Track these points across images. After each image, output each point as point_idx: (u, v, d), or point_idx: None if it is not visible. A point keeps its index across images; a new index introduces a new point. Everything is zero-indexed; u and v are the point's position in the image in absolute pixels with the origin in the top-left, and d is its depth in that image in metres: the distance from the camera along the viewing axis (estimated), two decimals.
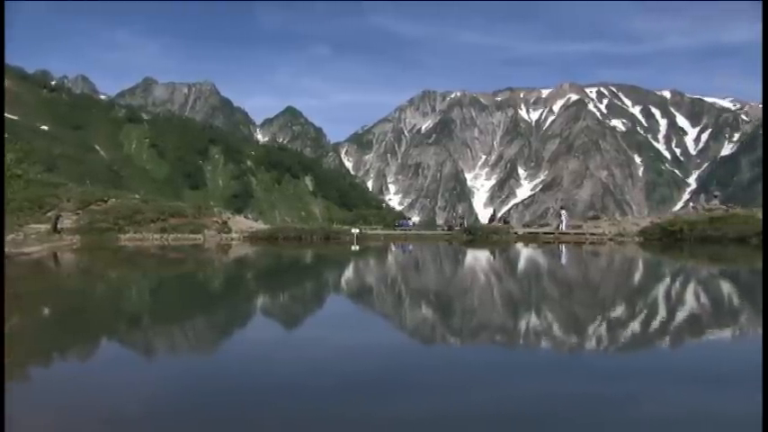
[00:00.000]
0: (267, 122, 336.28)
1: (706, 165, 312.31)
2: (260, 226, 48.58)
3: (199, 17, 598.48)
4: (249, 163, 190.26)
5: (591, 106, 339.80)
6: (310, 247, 36.63)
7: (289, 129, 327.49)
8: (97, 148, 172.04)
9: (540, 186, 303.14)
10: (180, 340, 9.03)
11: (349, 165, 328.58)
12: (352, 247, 35.40)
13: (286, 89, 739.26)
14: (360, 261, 27.67)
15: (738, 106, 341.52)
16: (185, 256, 28.43)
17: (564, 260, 28.91)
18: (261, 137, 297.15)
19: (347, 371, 6.85)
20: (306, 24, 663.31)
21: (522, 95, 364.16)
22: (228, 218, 46.54)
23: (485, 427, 5.00)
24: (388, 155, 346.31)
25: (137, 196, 48.86)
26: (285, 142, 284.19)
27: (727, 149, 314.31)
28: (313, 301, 13.89)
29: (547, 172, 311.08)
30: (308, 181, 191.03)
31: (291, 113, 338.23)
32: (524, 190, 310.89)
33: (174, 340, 9.01)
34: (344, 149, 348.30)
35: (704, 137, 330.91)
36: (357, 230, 44.76)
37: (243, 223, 47.36)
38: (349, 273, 22.11)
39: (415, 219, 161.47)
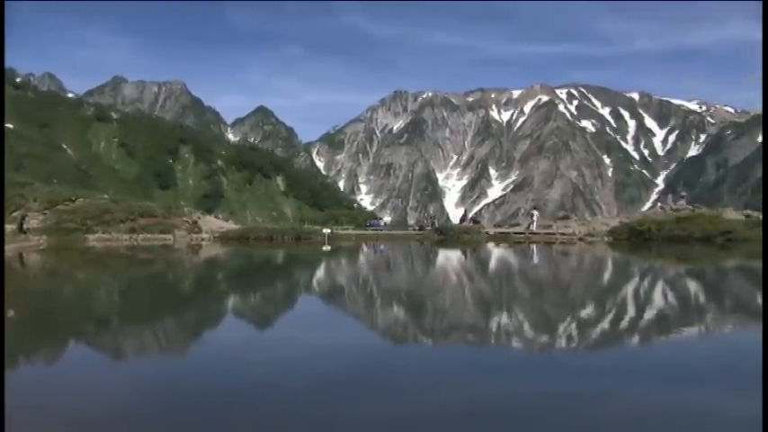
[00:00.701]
0: (238, 122, 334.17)
1: (673, 166, 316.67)
2: (231, 226, 48.29)
3: (170, 16, 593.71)
4: (220, 163, 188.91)
5: (561, 107, 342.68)
6: (281, 247, 36.49)
7: (260, 128, 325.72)
8: (64, 146, 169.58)
9: (511, 186, 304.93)
10: (150, 342, 8.95)
11: (320, 165, 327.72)
12: (324, 248, 35.33)
13: (257, 89, 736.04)
14: (331, 261, 27.62)
15: (704, 108, 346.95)
16: (155, 256, 28.17)
17: (534, 260, 29.13)
18: (232, 136, 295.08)
19: (319, 371, 6.84)
20: (278, 24, 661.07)
21: (493, 96, 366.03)
22: (199, 218, 46.19)
23: (457, 426, 5.03)
24: (360, 155, 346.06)
25: (105, 196, 48.30)
26: (256, 142, 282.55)
27: (693, 151, 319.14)
28: (284, 302, 13.85)
29: (518, 172, 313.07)
30: (279, 181, 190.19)
31: (263, 113, 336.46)
32: (495, 190, 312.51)
33: (144, 342, 8.92)
34: (316, 149, 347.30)
35: (671, 138, 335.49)
36: (328, 230, 44.67)
37: (213, 223, 47.04)
38: (320, 273, 22.07)
39: (387, 219, 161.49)
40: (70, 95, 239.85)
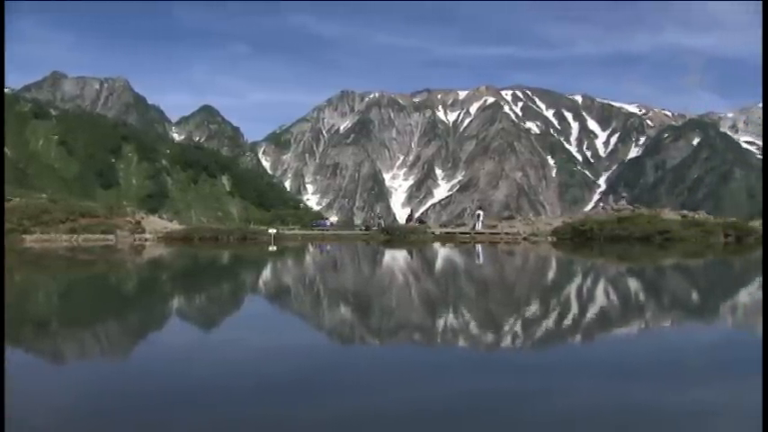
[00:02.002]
0: (183, 120, 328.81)
1: (614, 167, 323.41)
2: (175, 226, 47.62)
3: (111, 10, 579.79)
4: (164, 162, 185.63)
5: (506, 109, 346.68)
6: (227, 247, 36.13)
7: (205, 127, 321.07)
8: None
9: (458, 187, 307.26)
10: (90, 345, 8.75)
11: (267, 164, 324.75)
12: (270, 248, 35.12)
13: (203, 87, 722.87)
14: (277, 261, 27.47)
15: (643, 111, 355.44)
16: (96, 257, 27.60)
17: (480, 259, 29.46)
18: (176, 135, 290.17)
19: (267, 372, 6.80)
20: (223, 22, 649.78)
21: (439, 97, 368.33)
22: (142, 218, 45.44)
23: (407, 424, 5.05)
24: (307, 155, 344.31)
25: (44, 195, 47.14)
26: (201, 141, 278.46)
27: (633, 152, 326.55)
28: (230, 303, 13.71)
29: (464, 173, 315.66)
30: (224, 180, 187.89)
31: (208, 112, 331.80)
32: (442, 190, 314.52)
33: (84, 345, 8.72)
34: (262, 149, 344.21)
35: (613, 140, 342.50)
36: (274, 231, 44.44)
37: (157, 223, 46.32)
38: (267, 273, 21.93)
39: (333, 219, 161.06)
40: (6, 91, 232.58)
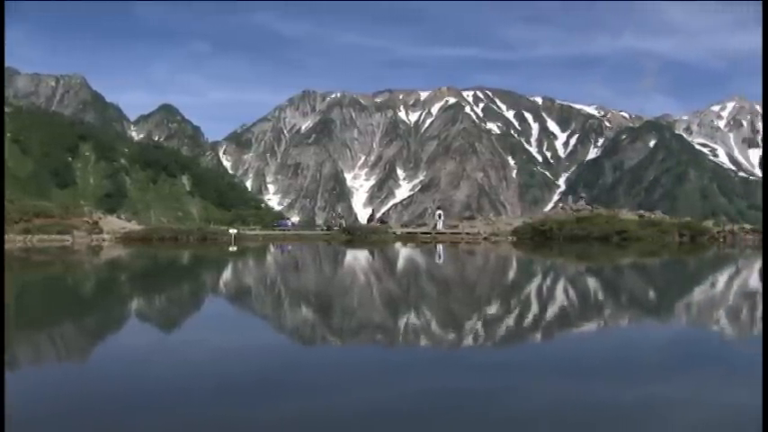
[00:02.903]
0: (142, 119, 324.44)
1: (574, 168, 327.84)
2: (134, 227, 46.99)
3: (67, 5, 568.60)
4: (123, 161, 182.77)
5: (468, 109, 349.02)
6: (187, 248, 35.77)
7: (165, 126, 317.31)
8: None
9: (419, 187, 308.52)
10: (45, 348, 8.59)
11: (227, 164, 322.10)
12: (230, 248, 34.87)
13: (162, 85, 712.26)
14: (238, 262, 27.29)
15: (602, 113, 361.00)
16: (52, 258, 27.10)
17: (440, 259, 29.62)
18: (135, 134, 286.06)
19: (227, 373, 6.74)
20: (184, 20, 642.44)
21: (401, 97, 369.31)
22: (100, 218, 44.74)
23: (370, 424, 5.07)
24: (268, 154, 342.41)
25: None
26: (161, 140, 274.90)
27: (592, 153, 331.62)
28: (190, 304, 13.58)
29: (425, 173, 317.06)
30: (185, 180, 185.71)
31: (168, 110, 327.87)
32: (403, 190, 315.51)
33: (39, 348, 8.56)
34: (223, 148, 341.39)
35: (572, 141, 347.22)
36: (235, 231, 44.13)
37: (115, 224, 45.66)
38: (227, 274, 21.76)
39: (295, 219, 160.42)
40: None
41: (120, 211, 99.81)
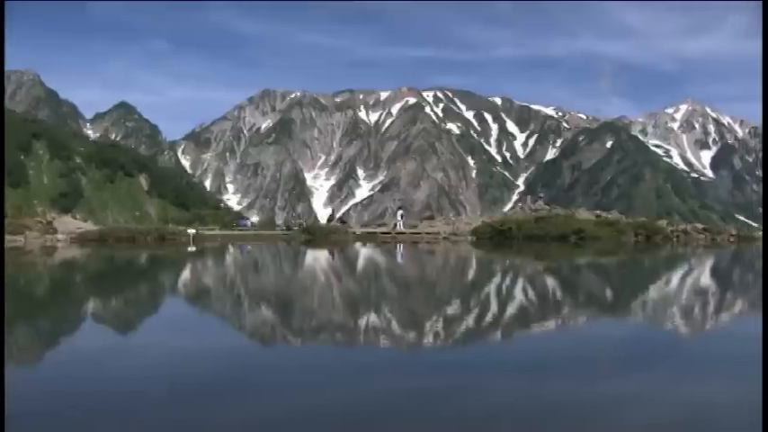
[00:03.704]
0: (98, 117, 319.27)
1: (533, 168, 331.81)
2: (89, 227, 46.20)
3: (17, 2, 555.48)
4: (78, 160, 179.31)
5: (428, 110, 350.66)
6: (144, 248, 35.28)
7: (122, 125, 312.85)
8: None
9: (379, 187, 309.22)
10: None
11: (186, 163, 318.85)
12: (189, 248, 34.51)
13: (119, 83, 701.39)
14: (197, 262, 27.02)
15: (560, 114, 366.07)
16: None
17: (401, 259, 29.71)
18: (91, 132, 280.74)
19: (186, 375, 6.66)
20: (140, 17, 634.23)
21: (361, 97, 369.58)
22: (54, 218, 43.90)
23: (327, 425, 5.06)
24: (227, 154, 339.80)
25: None
26: (118, 139, 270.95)
27: (550, 154, 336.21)
28: (147, 305, 13.39)
29: (385, 173, 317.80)
30: (142, 180, 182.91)
31: (125, 109, 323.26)
32: (363, 190, 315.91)
33: None
34: (181, 148, 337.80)
35: (531, 142, 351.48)
36: (194, 231, 43.68)
37: (70, 224, 44.84)
38: (186, 274, 21.54)
39: (254, 219, 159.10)
40: None
41: (75, 210, 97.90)
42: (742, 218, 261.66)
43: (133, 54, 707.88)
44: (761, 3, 11.37)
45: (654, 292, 16.18)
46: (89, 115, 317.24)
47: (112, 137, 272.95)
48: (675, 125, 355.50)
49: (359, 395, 5.92)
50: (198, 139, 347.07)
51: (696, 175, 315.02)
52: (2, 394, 4.97)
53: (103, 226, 51.26)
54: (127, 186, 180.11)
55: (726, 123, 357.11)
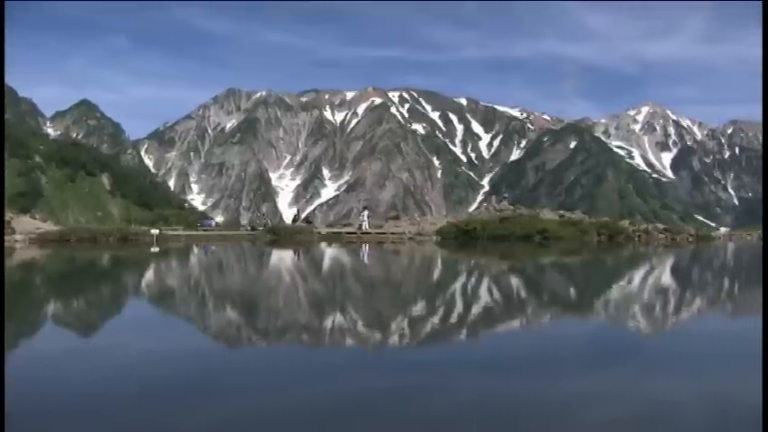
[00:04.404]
0: (59, 115, 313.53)
1: (497, 168, 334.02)
2: (49, 227, 45.42)
3: None
4: (38, 158, 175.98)
5: (393, 110, 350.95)
6: (106, 249, 34.80)
7: (83, 123, 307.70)
8: None
9: (345, 187, 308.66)
10: None
11: (150, 163, 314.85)
12: (153, 249, 34.12)
13: (79, 81, 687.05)
14: (160, 263, 26.74)
15: (525, 115, 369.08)
16: None
17: (366, 259, 29.72)
18: (51, 131, 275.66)
19: (149, 377, 6.59)
20: (102, 12, 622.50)
21: (327, 97, 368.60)
22: (12, 218, 43.02)
23: (292, 426, 5.05)
24: (192, 153, 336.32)
25: None
26: (79, 137, 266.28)
27: (515, 155, 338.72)
28: (110, 307, 13.21)
29: (351, 173, 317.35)
30: (104, 179, 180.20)
31: (86, 107, 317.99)
32: (329, 190, 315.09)
33: None
34: (145, 147, 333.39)
35: (496, 143, 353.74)
36: (157, 231, 43.21)
37: (29, 224, 44.05)
38: (149, 275, 21.29)
39: (219, 219, 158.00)
40: None
41: (34, 210, 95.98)
42: (701, 218, 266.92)
43: (93, 51, 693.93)
44: (761, 3, 11.54)
45: (616, 291, 16.42)
46: (49, 113, 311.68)
47: (73, 135, 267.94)
48: (637, 127, 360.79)
49: (325, 395, 5.91)
50: (162, 139, 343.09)
51: (657, 176, 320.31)
52: (2, 394, 4.95)
53: (64, 226, 50.39)
54: (88, 186, 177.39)
55: (685, 126, 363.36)
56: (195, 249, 35.56)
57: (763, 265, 25.99)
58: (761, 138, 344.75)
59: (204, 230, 55.21)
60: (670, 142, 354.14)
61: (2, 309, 7.76)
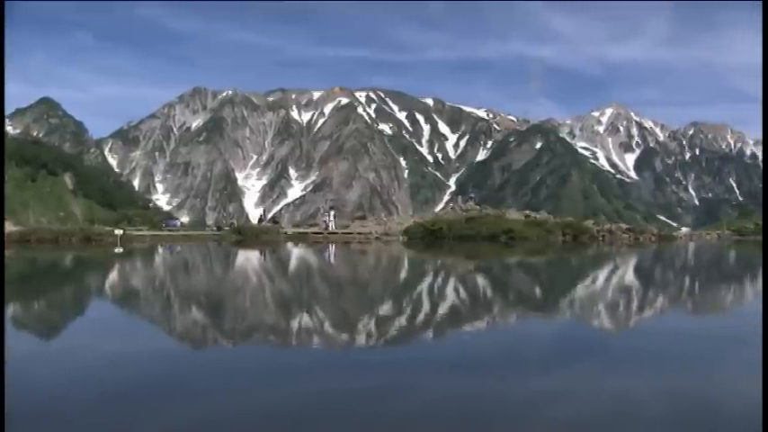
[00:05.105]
0: (19, 113, 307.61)
1: (464, 169, 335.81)
2: (9, 228, 44.55)
3: None
4: None
5: (360, 110, 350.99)
6: (69, 249, 34.27)
7: (45, 121, 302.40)
8: None
9: (311, 187, 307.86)
10: None
11: (113, 162, 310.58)
12: (116, 250, 33.69)
13: (40, 78, 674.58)
14: (125, 264, 26.41)
15: (491, 116, 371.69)
16: None
17: (332, 259, 29.68)
18: (11, 129, 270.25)
19: (113, 380, 6.50)
20: (66, 9, 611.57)
21: (293, 97, 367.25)
22: None
23: (260, 427, 5.04)
24: (157, 153, 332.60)
25: None
26: (40, 136, 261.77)
27: (481, 155, 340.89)
28: (73, 309, 13.02)
29: (317, 173, 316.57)
30: (67, 179, 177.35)
31: (48, 104, 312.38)
32: (295, 190, 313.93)
33: None
34: (109, 146, 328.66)
35: (462, 143, 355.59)
36: (121, 231, 42.69)
37: None
38: (113, 276, 21.02)
39: (184, 219, 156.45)
40: None
41: None
42: (663, 218, 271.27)
43: (56, 48, 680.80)
44: (761, 3, 11.68)
45: (581, 290, 16.62)
46: (8, 110, 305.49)
47: (34, 134, 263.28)
48: (601, 128, 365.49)
49: (290, 396, 5.90)
50: (126, 137, 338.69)
51: (621, 177, 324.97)
52: (2, 394, 4.92)
53: (24, 227, 49.49)
54: (50, 186, 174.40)
55: (648, 127, 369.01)
56: (160, 250, 35.19)
57: (764, 265, 26.48)
58: (719, 139, 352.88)
59: (169, 231, 54.70)
60: (633, 143, 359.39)
61: (2, 309, 7.63)
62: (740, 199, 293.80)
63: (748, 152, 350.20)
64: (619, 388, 6.18)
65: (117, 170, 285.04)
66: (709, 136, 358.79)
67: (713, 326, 10.73)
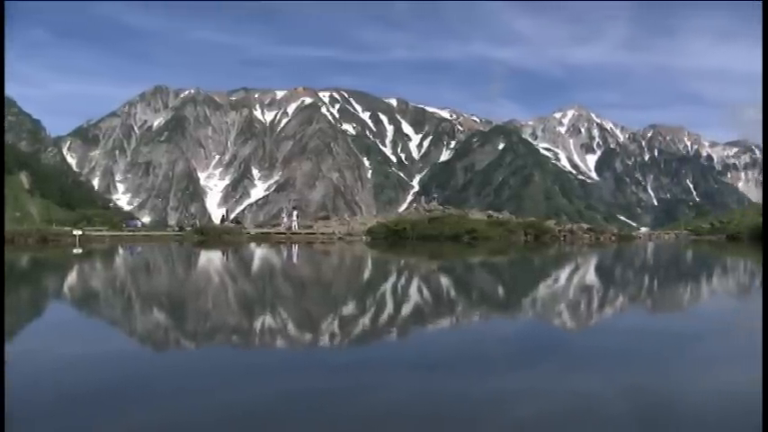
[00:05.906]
0: None
1: (427, 169, 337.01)
2: None
3: None
4: None
5: (324, 110, 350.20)
6: (25, 250, 33.60)
7: None
8: None
9: (275, 187, 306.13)
10: None
11: (72, 161, 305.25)
12: (75, 250, 33.14)
13: None
14: (83, 265, 25.99)
15: (454, 117, 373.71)
16: None
17: (295, 259, 29.57)
18: None
19: (76, 382, 6.39)
20: (19, 5, 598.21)
21: (256, 96, 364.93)
22: None
23: (222, 428, 5.00)
24: (117, 152, 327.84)
25: None
26: None
27: (444, 155, 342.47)
28: (28, 312, 12.76)
29: (281, 173, 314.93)
30: (23, 178, 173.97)
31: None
32: (258, 190, 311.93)
33: None
34: (67, 144, 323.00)
35: (425, 143, 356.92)
36: (80, 232, 42.00)
37: None
38: (71, 278, 20.67)
39: (146, 219, 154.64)
40: None
41: None
42: (623, 218, 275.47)
43: (10, 43, 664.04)
44: (761, 3, 11.80)
45: (542, 289, 16.79)
46: None
47: None
48: (563, 129, 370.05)
49: (255, 397, 5.86)
50: (85, 136, 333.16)
51: (582, 177, 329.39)
52: (2, 394, 4.87)
53: None
54: (6, 185, 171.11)
55: (609, 129, 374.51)
56: (120, 251, 34.70)
57: (764, 265, 26.94)
58: (677, 141, 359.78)
59: (130, 231, 53.99)
60: (594, 144, 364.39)
61: (2, 308, 7.46)
62: (697, 200, 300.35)
63: (704, 154, 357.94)
64: (580, 385, 6.25)
65: (76, 169, 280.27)
66: (667, 138, 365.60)
67: (671, 324, 10.92)
